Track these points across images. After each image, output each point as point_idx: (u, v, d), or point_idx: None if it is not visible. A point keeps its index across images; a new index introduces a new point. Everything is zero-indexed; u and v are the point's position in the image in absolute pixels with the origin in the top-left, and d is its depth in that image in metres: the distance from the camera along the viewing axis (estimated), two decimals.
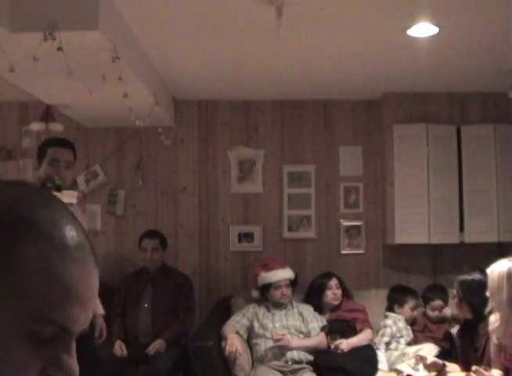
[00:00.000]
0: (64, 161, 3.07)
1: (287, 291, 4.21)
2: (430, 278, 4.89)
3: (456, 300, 3.19)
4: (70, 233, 0.62)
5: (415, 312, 4.30)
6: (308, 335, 4.10)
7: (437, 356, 3.43)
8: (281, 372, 3.91)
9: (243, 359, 3.89)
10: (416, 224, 4.64)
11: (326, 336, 4.10)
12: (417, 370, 3.25)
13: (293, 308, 4.23)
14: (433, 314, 4.24)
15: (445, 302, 4.18)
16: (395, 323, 4.22)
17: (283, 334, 3.98)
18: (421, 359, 3.21)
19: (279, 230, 4.98)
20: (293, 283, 4.30)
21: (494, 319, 2.85)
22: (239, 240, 4.95)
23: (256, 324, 4.11)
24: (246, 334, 4.11)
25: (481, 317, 3.03)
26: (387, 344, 4.17)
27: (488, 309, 2.83)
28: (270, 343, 4.00)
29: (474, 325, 3.13)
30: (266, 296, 4.24)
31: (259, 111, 5.04)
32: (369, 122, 5.03)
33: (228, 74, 4.36)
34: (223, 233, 4.97)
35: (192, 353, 3.83)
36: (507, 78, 4.21)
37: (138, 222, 4.89)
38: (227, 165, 5.00)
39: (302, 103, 5.04)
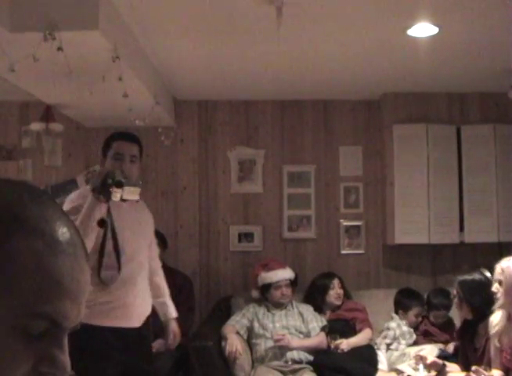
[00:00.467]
0: (129, 156, 2.88)
1: (287, 291, 4.21)
2: (430, 278, 4.89)
3: (456, 300, 3.19)
4: (61, 229, 0.63)
5: (419, 319, 4.27)
6: (308, 335, 4.10)
7: (437, 357, 3.43)
8: (281, 372, 3.91)
9: (243, 359, 3.89)
10: (416, 224, 4.64)
11: (326, 336, 4.10)
12: (417, 370, 3.25)
13: (293, 308, 4.23)
14: (436, 321, 4.22)
15: (449, 308, 4.13)
16: (399, 326, 4.20)
17: (283, 334, 3.98)
18: (421, 359, 3.21)
19: (279, 230, 4.98)
20: (293, 283, 4.30)
21: (494, 319, 2.85)
22: (239, 240, 4.95)
23: (256, 324, 4.11)
24: (246, 334, 4.11)
25: (481, 317, 3.03)
26: (388, 344, 4.17)
27: (497, 306, 2.81)
28: (270, 343, 4.00)
29: (474, 325, 3.13)
30: (266, 296, 4.24)
31: (259, 111, 5.04)
32: (368, 122, 5.03)
33: (229, 74, 4.36)
34: (223, 233, 4.97)
35: (192, 353, 3.83)
36: (507, 78, 4.21)
37: None
38: (227, 165, 5.01)
39: (302, 102, 5.04)
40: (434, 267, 4.92)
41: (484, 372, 2.71)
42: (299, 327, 4.11)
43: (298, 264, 4.83)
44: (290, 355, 3.96)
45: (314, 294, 4.41)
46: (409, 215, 4.65)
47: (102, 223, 2.53)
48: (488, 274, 3.19)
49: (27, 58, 2.61)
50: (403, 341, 4.15)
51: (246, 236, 4.95)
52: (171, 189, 4.98)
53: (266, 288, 4.22)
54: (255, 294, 4.33)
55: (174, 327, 3.17)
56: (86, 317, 2.61)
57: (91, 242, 2.57)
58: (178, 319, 3.11)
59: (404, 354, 3.98)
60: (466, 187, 4.67)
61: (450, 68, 4.19)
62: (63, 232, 0.63)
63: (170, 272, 4.55)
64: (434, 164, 4.67)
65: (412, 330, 4.22)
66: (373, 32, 3.47)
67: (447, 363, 3.15)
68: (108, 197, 2.51)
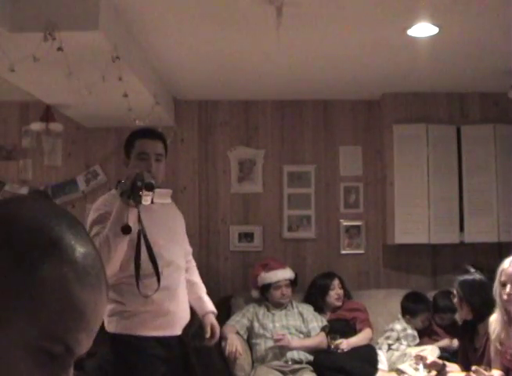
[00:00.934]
0: (154, 155, 2.68)
1: (287, 291, 4.21)
2: (430, 278, 4.89)
3: (455, 300, 3.19)
4: (91, 261, 0.65)
5: (426, 323, 4.25)
6: (308, 335, 4.10)
7: (438, 358, 3.43)
8: (281, 372, 3.91)
9: (243, 359, 3.90)
10: (416, 224, 4.64)
11: (327, 336, 4.10)
12: (417, 370, 3.25)
13: (293, 308, 4.23)
14: (441, 323, 4.21)
15: (455, 311, 4.11)
16: (405, 329, 4.19)
17: (283, 334, 3.98)
18: (421, 358, 3.21)
19: (279, 230, 4.97)
20: (293, 283, 4.30)
21: (493, 320, 2.85)
22: (239, 240, 4.95)
23: (256, 324, 4.11)
24: (246, 334, 4.11)
25: (481, 317, 3.03)
26: (390, 345, 4.16)
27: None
28: (270, 343, 4.00)
29: (474, 325, 3.13)
30: (266, 296, 4.24)
31: (259, 111, 5.04)
32: (368, 122, 5.03)
33: (229, 74, 4.36)
34: (223, 233, 4.97)
35: (192, 353, 3.83)
36: (507, 78, 4.21)
37: None
38: (227, 165, 5.00)
39: (302, 102, 5.04)
40: (434, 267, 4.92)
41: (485, 372, 2.71)
42: (299, 327, 4.11)
43: (298, 264, 4.83)
44: (290, 355, 3.96)
45: (314, 295, 4.40)
46: (409, 215, 4.65)
47: (126, 230, 2.31)
48: (472, 270, 3.20)
49: (27, 58, 2.61)
50: (405, 342, 4.14)
51: (246, 236, 4.95)
52: (171, 189, 4.96)
53: (266, 288, 4.23)
54: (255, 294, 4.33)
55: (212, 320, 2.99)
56: (129, 327, 2.50)
57: (121, 251, 2.41)
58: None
59: (405, 354, 3.98)
60: (466, 187, 4.66)
61: (450, 68, 4.19)
62: (93, 264, 0.65)
63: None
64: (434, 164, 4.67)
65: (416, 333, 4.19)
66: (373, 32, 3.47)
67: (447, 363, 3.15)
68: (138, 201, 2.31)
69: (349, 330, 4.22)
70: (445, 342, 4.03)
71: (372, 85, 4.65)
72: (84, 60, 3.00)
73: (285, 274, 4.26)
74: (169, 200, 2.47)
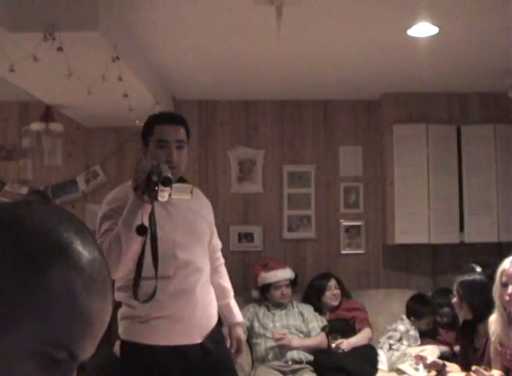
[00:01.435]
0: (175, 141, 2.38)
1: (287, 291, 4.21)
2: (430, 278, 4.89)
3: (455, 300, 3.19)
4: (99, 268, 0.65)
5: (430, 326, 4.24)
6: (308, 335, 4.10)
7: (438, 358, 3.43)
8: (281, 372, 3.91)
9: (243, 359, 3.89)
10: (416, 224, 4.64)
11: (327, 336, 4.10)
12: (417, 370, 3.25)
13: (293, 307, 4.23)
14: (441, 320, 4.21)
15: (453, 307, 4.11)
16: (407, 331, 4.19)
17: (284, 333, 3.98)
18: (421, 359, 3.21)
19: (279, 230, 4.97)
20: (293, 283, 4.30)
21: (492, 321, 2.85)
22: (239, 240, 4.95)
23: (256, 324, 4.11)
24: (246, 333, 4.10)
25: (481, 317, 3.03)
26: (391, 345, 4.16)
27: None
28: (270, 343, 4.00)
29: (474, 325, 3.13)
30: (266, 296, 4.24)
31: (259, 111, 5.04)
32: (369, 122, 5.03)
33: (229, 74, 4.36)
34: (223, 233, 4.96)
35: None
36: (507, 78, 4.21)
37: None
38: (227, 165, 5.00)
39: (302, 102, 5.04)
40: (434, 267, 4.92)
41: (484, 372, 2.70)
42: (299, 327, 4.11)
43: (298, 264, 4.83)
44: (290, 355, 3.96)
45: (311, 295, 4.41)
46: (409, 215, 4.65)
47: (142, 230, 2.04)
48: (479, 269, 3.19)
49: (27, 58, 2.61)
50: (406, 342, 4.14)
51: (246, 236, 4.95)
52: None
53: (266, 288, 4.23)
54: (255, 294, 4.33)
55: (238, 333, 2.73)
56: (139, 335, 2.24)
57: (134, 251, 2.13)
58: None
59: (405, 354, 3.98)
60: (466, 187, 4.67)
61: (450, 68, 4.19)
62: (99, 271, 0.65)
63: None
64: (434, 164, 4.67)
65: (418, 335, 4.18)
66: (373, 32, 3.47)
67: (447, 363, 3.15)
68: (154, 198, 2.02)
69: (349, 329, 4.22)
70: (444, 349, 4.01)
71: (372, 85, 4.65)
72: (84, 60, 3.00)
73: (285, 274, 4.26)
74: (188, 196, 2.12)
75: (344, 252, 4.96)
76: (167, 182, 1.99)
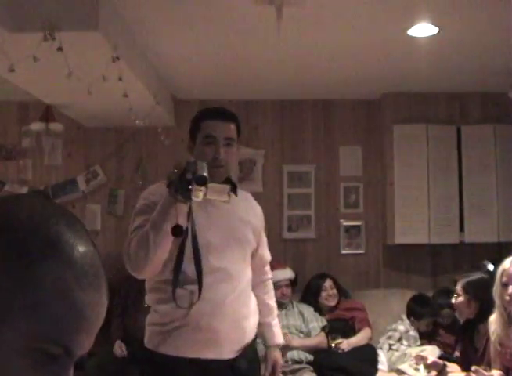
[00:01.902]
0: (224, 139, 2.23)
1: (287, 291, 4.21)
2: (430, 278, 4.89)
3: (461, 300, 3.17)
4: (91, 260, 0.64)
5: (430, 328, 4.24)
6: (308, 335, 4.10)
7: (438, 358, 3.42)
8: (281, 372, 3.90)
9: None
10: (416, 224, 4.64)
11: (327, 336, 4.10)
12: (418, 370, 3.25)
13: (293, 307, 4.23)
14: (442, 321, 4.21)
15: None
16: (407, 331, 4.19)
17: (284, 333, 3.98)
18: (422, 359, 3.21)
19: (279, 230, 4.97)
20: (293, 284, 4.30)
21: (492, 321, 2.85)
22: None
23: None
24: None
25: (482, 317, 3.03)
26: (391, 345, 4.16)
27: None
28: None
29: (474, 325, 3.13)
30: None
31: (259, 111, 5.04)
32: (369, 122, 5.03)
33: (229, 74, 4.36)
34: None
35: None
36: (507, 78, 4.21)
37: None
38: None
39: (302, 102, 5.04)
40: (434, 267, 4.92)
41: (484, 372, 2.70)
42: (299, 327, 4.11)
43: (298, 264, 4.83)
44: (290, 355, 3.96)
45: (308, 296, 4.41)
46: (409, 215, 4.65)
47: (178, 232, 1.86)
48: (491, 267, 3.18)
49: (27, 58, 2.61)
50: (405, 343, 4.14)
51: None
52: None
53: None
54: None
55: (276, 355, 2.50)
56: (161, 344, 2.06)
57: (164, 252, 2.00)
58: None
59: (405, 354, 3.98)
60: (466, 187, 4.67)
61: (450, 68, 4.19)
62: (92, 263, 0.64)
63: None
64: (434, 164, 4.67)
65: (418, 336, 4.17)
66: (373, 32, 3.47)
67: (447, 363, 3.15)
68: (187, 197, 1.87)
69: (349, 329, 4.22)
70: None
71: (372, 85, 4.65)
72: (84, 60, 3.00)
73: (285, 274, 4.26)
74: (225, 198, 1.96)
75: (344, 252, 4.96)
76: (201, 181, 1.83)
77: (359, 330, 4.22)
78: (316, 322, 4.15)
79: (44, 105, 4.36)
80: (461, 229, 4.68)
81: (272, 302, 2.53)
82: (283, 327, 4.07)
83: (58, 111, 4.45)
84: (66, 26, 2.66)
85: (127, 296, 4.44)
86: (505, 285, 2.74)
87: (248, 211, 2.39)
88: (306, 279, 4.60)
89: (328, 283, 4.39)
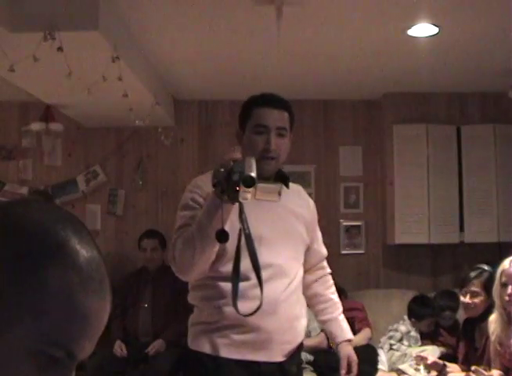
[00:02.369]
0: (276, 128, 2.10)
1: None
2: (430, 278, 4.89)
3: (482, 298, 3.10)
4: (96, 267, 0.64)
5: (431, 328, 4.22)
6: (308, 335, 4.09)
7: (439, 358, 3.42)
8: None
9: None
10: (416, 224, 4.64)
11: (327, 336, 4.09)
12: (418, 370, 3.25)
13: None
14: (443, 323, 4.20)
15: (456, 310, 4.10)
16: (409, 331, 4.18)
17: None
18: (422, 359, 3.21)
19: None
20: None
21: (492, 321, 2.85)
22: None
23: None
24: None
25: (482, 317, 3.02)
26: (392, 345, 4.16)
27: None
28: None
29: (474, 325, 3.13)
30: None
31: None
32: (369, 122, 5.03)
33: (229, 74, 4.36)
34: None
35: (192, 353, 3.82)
36: (507, 78, 4.21)
37: (138, 222, 4.88)
38: None
39: (302, 102, 5.03)
40: (434, 267, 4.92)
41: (484, 372, 2.70)
42: None
43: None
44: None
45: None
46: (409, 215, 4.65)
47: (222, 237, 1.72)
48: (486, 268, 3.17)
49: (27, 58, 2.61)
50: (406, 343, 4.14)
51: None
52: (171, 189, 4.97)
53: None
54: None
55: (349, 352, 2.29)
56: (206, 345, 1.94)
57: (210, 254, 1.88)
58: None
59: (405, 354, 3.98)
60: (466, 187, 4.67)
61: (450, 68, 4.19)
62: (97, 270, 0.64)
63: (170, 272, 4.56)
64: (434, 164, 4.67)
65: (419, 336, 4.17)
66: (373, 32, 3.47)
67: (447, 364, 3.15)
68: (234, 198, 1.71)
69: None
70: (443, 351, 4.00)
71: (372, 85, 4.65)
72: (84, 60, 3.00)
73: None
74: (275, 198, 1.78)
75: (344, 252, 4.96)
76: (249, 183, 1.65)
77: (359, 331, 4.22)
78: (316, 322, 4.15)
79: (44, 105, 4.36)
80: (461, 229, 4.68)
81: (336, 297, 2.41)
82: None
83: (58, 111, 4.46)
84: (66, 26, 2.66)
85: (126, 296, 4.45)
86: (504, 285, 2.74)
87: (300, 204, 2.25)
88: None
89: None
